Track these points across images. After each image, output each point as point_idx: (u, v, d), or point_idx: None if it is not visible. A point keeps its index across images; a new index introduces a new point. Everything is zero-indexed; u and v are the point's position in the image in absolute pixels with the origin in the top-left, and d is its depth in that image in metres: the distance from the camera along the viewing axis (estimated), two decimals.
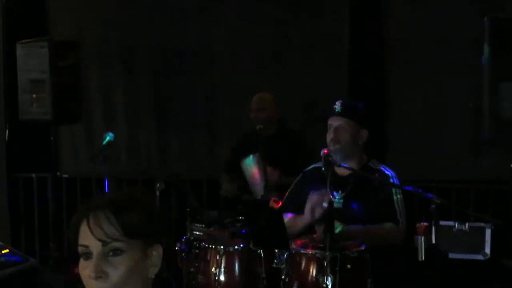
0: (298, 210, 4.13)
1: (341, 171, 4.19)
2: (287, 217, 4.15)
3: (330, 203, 3.90)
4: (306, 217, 4.01)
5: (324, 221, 3.77)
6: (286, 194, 4.40)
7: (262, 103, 5.63)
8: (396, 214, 4.08)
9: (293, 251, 3.79)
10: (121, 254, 1.74)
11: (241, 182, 5.33)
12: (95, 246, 1.75)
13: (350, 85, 6.53)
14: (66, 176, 7.07)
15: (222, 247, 3.99)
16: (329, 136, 4.17)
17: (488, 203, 6.05)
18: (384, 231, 4.03)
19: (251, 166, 4.97)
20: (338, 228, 3.87)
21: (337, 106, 4.18)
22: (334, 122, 4.18)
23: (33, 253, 6.37)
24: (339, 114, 4.17)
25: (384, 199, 4.08)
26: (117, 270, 1.74)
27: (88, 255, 1.76)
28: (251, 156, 5.00)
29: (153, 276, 1.82)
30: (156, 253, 1.80)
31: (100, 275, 1.73)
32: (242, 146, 5.56)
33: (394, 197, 4.10)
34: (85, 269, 1.77)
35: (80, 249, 1.78)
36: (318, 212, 3.91)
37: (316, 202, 3.90)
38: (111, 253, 1.74)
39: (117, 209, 1.76)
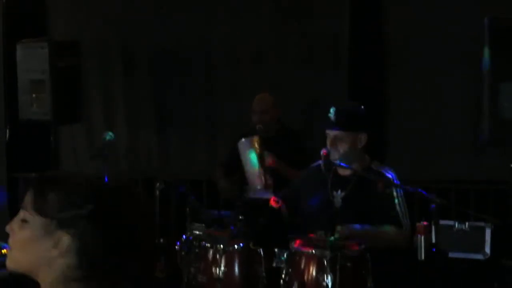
0: (293, 202, 4.17)
1: (343, 171, 4.20)
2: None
3: (330, 202, 3.90)
4: None
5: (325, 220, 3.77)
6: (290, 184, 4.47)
7: (265, 105, 5.63)
8: (398, 216, 4.07)
9: (293, 250, 3.79)
10: (26, 223, 1.83)
11: (238, 179, 5.32)
12: (20, 210, 1.88)
13: (350, 85, 6.52)
14: None
15: (222, 246, 3.99)
16: (328, 146, 4.18)
17: (488, 203, 6.05)
18: (388, 234, 4.02)
19: (248, 148, 4.97)
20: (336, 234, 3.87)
21: (332, 115, 4.15)
22: (330, 132, 4.18)
23: None
24: (334, 125, 4.15)
25: (385, 202, 4.07)
26: (18, 233, 1.84)
27: None
28: (248, 138, 5.00)
29: (52, 255, 1.81)
30: (61, 239, 1.80)
31: (10, 230, 1.86)
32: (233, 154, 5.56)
33: (396, 200, 4.08)
34: None
35: None
36: None
37: None
38: (22, 219, 1.85)
39: (39, 187, 1.85)
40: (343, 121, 4.14)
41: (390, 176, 4.18)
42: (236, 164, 5.19)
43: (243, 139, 5.01)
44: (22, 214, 1.85)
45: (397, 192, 4.10)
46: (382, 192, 3.99)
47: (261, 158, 4.90)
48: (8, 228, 1.87)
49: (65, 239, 1.79)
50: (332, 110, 4.15)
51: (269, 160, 5.18)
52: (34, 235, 1.82)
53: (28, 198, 1.84)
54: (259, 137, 5.03)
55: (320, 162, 4.24)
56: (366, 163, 4.25)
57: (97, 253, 1.79)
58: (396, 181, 4.17)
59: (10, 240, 1.87)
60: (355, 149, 4.19)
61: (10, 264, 1.88)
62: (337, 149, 4.13)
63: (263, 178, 4.74)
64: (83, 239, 1.78)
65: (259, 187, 4.74)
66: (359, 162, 4.21)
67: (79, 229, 1.78)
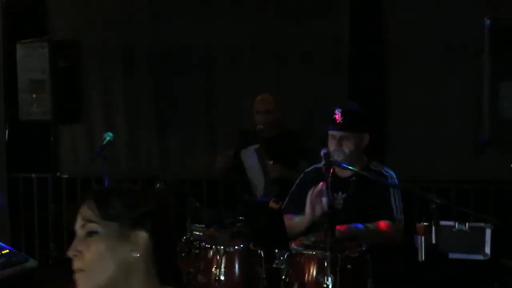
0: (299, 211, 4.13)
1: (342, 172, 4.20)
2: (287, 218, 4.14)
3: (330, 204, 3.89)
4: (307, 215, 3.99)
5: (325, 219, 3.76)
6: (288, 196, 4.40)
7: (268, 106, 5.63)
8: (393, 212, 4.08)
9: (294, 251, 3.78)
10: (95, 235, 1.84)
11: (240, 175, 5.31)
12: (78, 230, 1.87)
13: (350, 85, 6.53)
14: (66, 176, 7.07)
15: (222, 247, 3.98)
16: (332, 147, 4.16)
17: (488, 203, 6.06)
18: (380, 229, 4.03)
19: (251, 157, 4.98)
20: None
21: (338, 117, 4.15)
22: (336, 133, 4.17)
23: (33, 253, 6.37)
24: (341, 126, 4.15)
25: (381, 199, 4.09)
26: (90, 249, 1.83)
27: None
28: (251, 148, 5.01)
29: (134, 258, 1.83)
30: (138, 238, 1.84)
31: (75, 253, 1.84)
32: (241, 146, 5.56)
33: (392, 197, 4.10)
34: None
35: None
36: (318, 209, 3.90)
37: (315, 198, 3.89)
38: (87, 235, 1.85)
39: (99, 195, 1.87)
40: (350, 121, 4.14)
41: (389, 175, 4.19)
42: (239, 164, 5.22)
43: (249, 148, 5.02)
44: (84, 230, 1.84)
45: (393, 190, 4.12)
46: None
47: (264, 166, 4.91)
48: (71, 253, 1.84)
49: (143, 235, 1.83)
50: (337, 111, 4.15)
51: (274, 169, 5.17)
52: (109, 243, 1.83)
53: (88, 211, 1.84)
54: (262, 146, 5.03)
55: (316, 166, 4.24)
56: (364, 163, 4.25)
57: (168, 249, 1.85)
58: (395, 180, 4.18)
59: (78, 263, 1.83)
60: (359, 150, 4.20)
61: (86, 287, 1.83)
62: (342, 150, 4.14)
63: (266, 186, 4.76)
64: (155, 235, 1.83)
65: (261, 195, 4.76)
66: (359, 163, 4.22)
67: (150, 226, 1.83)
